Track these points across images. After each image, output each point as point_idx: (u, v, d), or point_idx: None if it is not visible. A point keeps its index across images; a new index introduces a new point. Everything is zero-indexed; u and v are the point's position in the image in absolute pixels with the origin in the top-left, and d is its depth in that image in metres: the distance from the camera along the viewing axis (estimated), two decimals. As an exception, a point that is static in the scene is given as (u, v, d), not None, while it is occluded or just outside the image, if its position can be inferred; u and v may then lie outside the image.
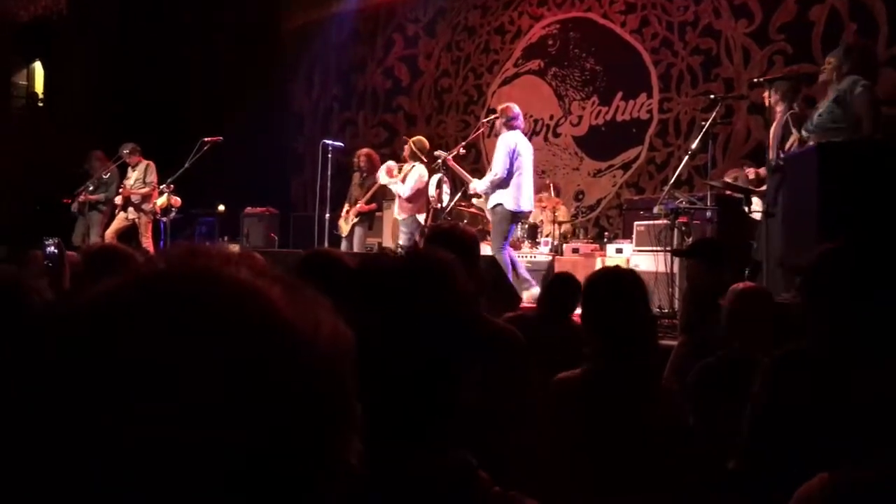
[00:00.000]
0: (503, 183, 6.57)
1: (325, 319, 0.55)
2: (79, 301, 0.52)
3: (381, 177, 7.92)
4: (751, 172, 6.82)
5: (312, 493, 0.51)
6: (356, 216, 8.21)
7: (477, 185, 6.79)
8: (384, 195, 8.39)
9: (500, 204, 6.58)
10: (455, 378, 1.14)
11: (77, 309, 0.51)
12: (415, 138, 7.95)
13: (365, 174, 8.33)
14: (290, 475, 0.50)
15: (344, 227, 8.29)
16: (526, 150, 6.74)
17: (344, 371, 0.55)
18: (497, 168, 6.58)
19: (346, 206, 8.37)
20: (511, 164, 6.57)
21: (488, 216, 6.84)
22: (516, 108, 6.83)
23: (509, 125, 6.71)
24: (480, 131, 8.26)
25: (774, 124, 5.68)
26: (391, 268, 1.21)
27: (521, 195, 6.62)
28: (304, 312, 0.54)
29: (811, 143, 4.80)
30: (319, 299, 0.57)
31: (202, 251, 0.55)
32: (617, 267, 2.60)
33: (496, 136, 6.86)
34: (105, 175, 8.96)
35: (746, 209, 5.95)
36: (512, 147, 6.60)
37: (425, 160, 7.73)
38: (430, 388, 1.11)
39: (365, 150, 8.53)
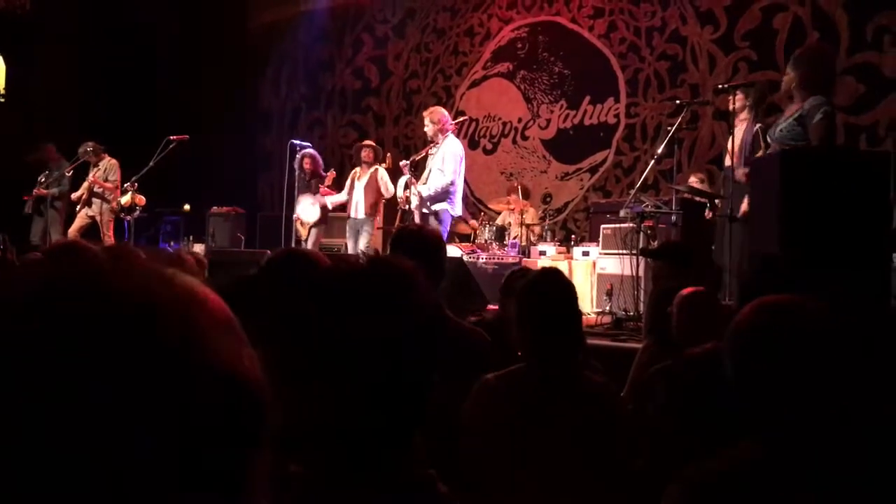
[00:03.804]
0: (450, 188, 6.70)
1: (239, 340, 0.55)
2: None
3: (401, 182, 7.37)
4: (695, 181, 6.92)
5: None
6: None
7: (423, 190, 6.77)
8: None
9: (446, 210, 6.75)
10: (417, 392, 1.12)
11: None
12: (372, 143, 8.11)
13: (308, 178, 8.31)
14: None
15: (303, 232, 8.27)
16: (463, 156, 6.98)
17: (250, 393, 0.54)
18: (451, 175, 6.69)
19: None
20: (459, 171, 6.80)
21: (417, 219, 6.85)
22: (446, 113, 7.02)
23: (444, 130, 6.81)
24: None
25: (737, 130, 5.74)
26: (349, 275, 1.18)
27: (460, 200, 6.90)
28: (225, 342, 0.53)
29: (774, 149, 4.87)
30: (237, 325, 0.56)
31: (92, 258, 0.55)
32: (544, 269, 2.61)
33: (432, 142, 6.93)
34: (67, 172, 8.85)
35: (710, 214, 6.03)
36: (461, 154, 6.82)
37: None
38: (389, 403, 1.09)
39: (308, 152, 8.49)
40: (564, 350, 2.19)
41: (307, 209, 8.03)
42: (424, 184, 6.81)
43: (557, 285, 2.27)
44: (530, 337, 2.20)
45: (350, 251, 7.75)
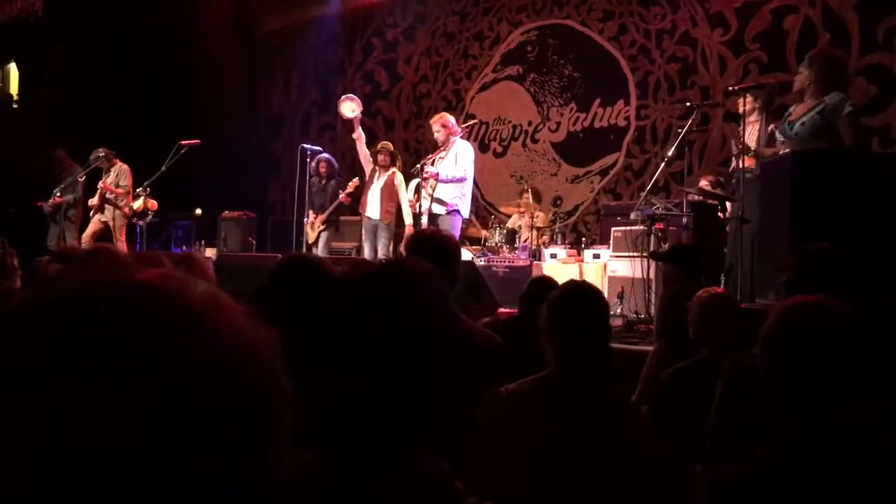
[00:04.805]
0: (462, 188, 6.85)
1: (244, 323, 0.56)
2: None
3: (412, 185, 7.62)
4: (706, 183, 6.90)
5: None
6: (322, 224, 8.21)
7: (440, 171, 6.85)
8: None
9: (457, 210, 6.84)
10: (431, 392, 1.13)
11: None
12: (389, 146, 7.98)
13: (324, 181, 8.31)
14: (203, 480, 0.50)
15: (311, 235, 8.27)
16: None
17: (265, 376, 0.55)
18: (469, 176, 6.91)
19: (312, 214, 8.33)
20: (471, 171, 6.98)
21: (426, 220, 6.87)
22: (452, 119, 7.15)
23: (453, 133, 6.97)
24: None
25: (749, 132, 5.73)
26: (367, 274, 1.19)
27: (470, 202, 7.02)
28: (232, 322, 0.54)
29: (785, 149, 4.86)
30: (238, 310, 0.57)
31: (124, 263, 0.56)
32: (579, 280, 2.61)
33: (441, 147, 7.05)
34: (80, 178, 8.89)
35: (721, 215, 6.01)
36: (473, 157, 7.03)
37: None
38: (403, 398, 1.10)
39: (324, 156, 8.50)
40: (593, 362, 2.17)
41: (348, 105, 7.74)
42: (433, 189, 6.85)
43: (589, 297, 2.26)
44: (559, 347, 2.18)
45: (367, 254, 7.70)
